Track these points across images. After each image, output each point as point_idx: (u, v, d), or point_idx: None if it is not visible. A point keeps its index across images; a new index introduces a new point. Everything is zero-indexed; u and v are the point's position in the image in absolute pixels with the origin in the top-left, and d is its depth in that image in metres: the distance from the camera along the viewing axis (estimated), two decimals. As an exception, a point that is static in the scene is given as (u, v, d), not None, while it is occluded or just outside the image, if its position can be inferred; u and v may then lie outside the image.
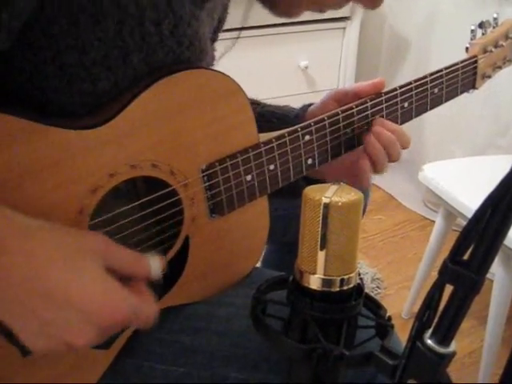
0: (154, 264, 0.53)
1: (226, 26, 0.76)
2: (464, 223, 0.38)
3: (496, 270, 1.30)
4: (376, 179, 2.20)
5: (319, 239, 0.45)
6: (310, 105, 0.77)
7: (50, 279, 0.45)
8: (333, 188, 0.46)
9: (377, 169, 0.70)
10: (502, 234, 0.37)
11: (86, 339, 0.47)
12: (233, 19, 0.76)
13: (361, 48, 2.08)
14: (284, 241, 0.89)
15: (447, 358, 0.40)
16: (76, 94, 0.55)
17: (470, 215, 0.38)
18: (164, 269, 0.54)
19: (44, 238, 0.46)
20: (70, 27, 0.52)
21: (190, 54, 0.60)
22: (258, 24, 1.75)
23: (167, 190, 0.59)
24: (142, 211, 0.59)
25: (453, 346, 0.40)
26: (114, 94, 0.56)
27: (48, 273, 0.45)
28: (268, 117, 0.77)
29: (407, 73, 2.17)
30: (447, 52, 1.86)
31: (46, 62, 0.53)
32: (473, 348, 1.54)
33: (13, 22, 0.48)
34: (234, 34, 0.76)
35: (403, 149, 0.71)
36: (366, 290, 0.51)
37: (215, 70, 0.60)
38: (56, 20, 0.51)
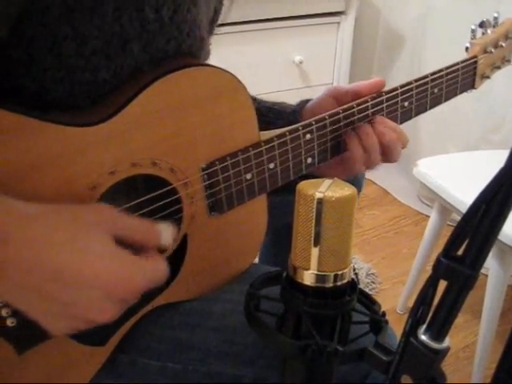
0: (165, 232, 0.52)
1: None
2: (459, 218, 0.38)
3: (490, 264, 1.30)
4: (371, 174, 2.20)
5: (313, 235, 0.45)
6: (307, 101, 0.77)
7: (58, 262, 0.44)
8: (326, 183, 0.46)
9: (370, 160, 0.70)
10: (496, 229, 0.37)
11: (109, 315, 0.47)
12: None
13: (355, 43, 2.08)
14: (279, 228, 0.88)
15: (441, 354, 0.40)
16: (76, 84, 0.54)
17: (464, 210, 0.38)
18: (175, 238, 0.52)
19: (45, 223, 0.46)
20: (66, 15, 0.50)
21: (192, 42, 0.59)
22: (252, 19, 1.74)
23: (167, 188, 0.59)
24: (141, 209, 0.59)
25: (447, 342, 0.40)
26: (115, 84, 0.56)
27: (54, 256, 0.44)
28: (264, 112, 0.76)
29: (402, 67, 2.16)
30: (442, 47, 1.87)
31: (43, 51, 0.52)
32: (467, 342, 1.55)
33: (7, 8, 0.47)
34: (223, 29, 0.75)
35: (402, 148, 0.71)
36: (361, 285, 0.51)
37: (217, 67, 0.60)
38: (52, 7, 0.50)
